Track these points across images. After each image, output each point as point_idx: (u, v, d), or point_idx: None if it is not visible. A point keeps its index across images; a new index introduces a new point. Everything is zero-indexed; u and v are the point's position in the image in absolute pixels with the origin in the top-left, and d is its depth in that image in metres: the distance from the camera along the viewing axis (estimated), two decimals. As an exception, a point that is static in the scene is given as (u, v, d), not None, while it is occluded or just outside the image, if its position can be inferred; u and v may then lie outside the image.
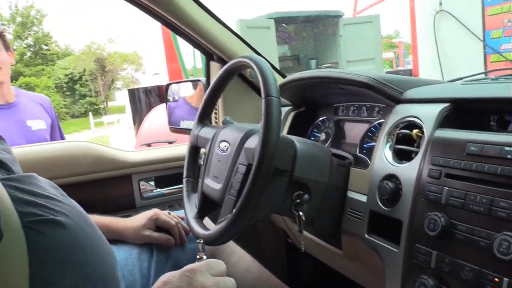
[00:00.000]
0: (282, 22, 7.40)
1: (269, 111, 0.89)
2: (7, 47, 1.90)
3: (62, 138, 2.21)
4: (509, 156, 0.71)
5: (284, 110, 1.46)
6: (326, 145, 1.31)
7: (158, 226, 1.27)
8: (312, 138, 1.40)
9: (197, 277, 0.76)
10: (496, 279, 0.68)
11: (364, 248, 1.00)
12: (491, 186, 0.72)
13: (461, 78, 1.21)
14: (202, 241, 0.97)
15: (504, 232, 0.67)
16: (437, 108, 0.90)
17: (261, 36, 6.29)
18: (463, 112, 0.90)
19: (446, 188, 0.79)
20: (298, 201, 1.00)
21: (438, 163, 0.82)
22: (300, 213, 1.00)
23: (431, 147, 0.85)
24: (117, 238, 1.24)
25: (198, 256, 0.93)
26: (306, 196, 1.01)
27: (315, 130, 1.41)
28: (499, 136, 0.76)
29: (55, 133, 2.11)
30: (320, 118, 1.40)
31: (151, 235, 1.24)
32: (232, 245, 1.37)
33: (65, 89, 30.62)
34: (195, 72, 7.39)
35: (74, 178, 1.48)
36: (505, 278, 0.67)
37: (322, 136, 1.37)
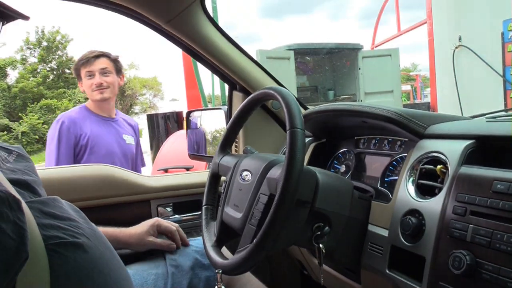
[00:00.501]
0: (302, 53, 7.51)
1: (294, 142, 0.90)
2: (118, 71, 2.33)
3: (142, 160, 2.60)
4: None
5: (305, 141, 1.47)
6: (347, 177, 1.31)
7: (160, 232, 1.34)
8: (332, 170, 1.40)
9: None
10: (524, 321, 0.67)
11: (384, 283, 0.98)
12: (519, 226, 0.71)
13: (484, 114, 1.21)
14: (221, 271, 0.97)
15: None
16: (462, 144, 0.90)
17: (280, 66, 6.38)
18: (487, 149, 0.90)
19: (472, 225, 0.78)
20: (319, 233, 1.00)
21: (463, 200, 0.81)
22: (321, 245, 0.99)
23: (456, 183, 0.85)
24: (123, 247, 1.30)
25: (216, 287, 0.93)
26: (327, 228, 1.00)
27: (336, 162, 1.41)
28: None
29: (138, 152, 2.51)
30: (341, 150, 1.41)
31: (154, 241, 1.31)
32: (247, 275, 1.36)
33: (85, 112, 31.09)
34: (213, 98, 7.49)
35: (95, 202, 1.50)
36: (533, 321, 0.66)
37: (343, 168, 1.37)
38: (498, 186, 0.76)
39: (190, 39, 1.48)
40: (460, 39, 5.33)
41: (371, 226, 1.05)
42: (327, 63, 7.99)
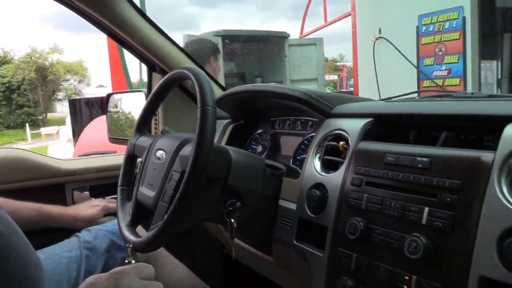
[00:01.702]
0: (229, 39, 7.52)
1: (204, 120, 0.92)
2: None
3: None
4: (420, 166, 0.78)
5: (224, 122, 1.49)
6: (262, 156, 1.36)
7: (108, 215, 1.39)
8: (250, 150, 1.43)
9: (125, 279, 0.77)
10: (406, 277, 0.74)
11: (293, 254, 1.04)
12: (404, 193, 0.79)
13: (393, 97, 1.31)
14: (131, 245, 0.97)
15: (413, 234, 0.73)
16: (362, 122, 0.97)
17: (207, 52, 6.33)
18: (386, 126, 0.98)
19: (366, 195, 0.85)
20: (231, 208, 1.03)
21: (360, 172, 0.88)
22: (232, 220, 1.02)
23: (355, 157, 0.91)
24: (66, 226, 1.35)
25: (126, 261, 0.93)
26: (238, 204, 1.03)
27: (253, 142, 1.45)
28: (413, 147, 0.83)
29: None
30: (258, 131, 1.45)
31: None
32: (166, 255, 1.37)
33: (0, 98, 29.05)
34: (141, 85, 7.29)
35: (6, 186, 1.42)
36: (413, 276, 0.73)
37: (259, 148, 1.41)
38: (389, 158, 0.84)
39: (105, 17, 1.44)
40: (380, 31, 5.60)
41: (282, 201, 1.10)
42: (255, 51, 8.08)
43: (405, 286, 0.75)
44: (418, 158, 0.78)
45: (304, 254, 0.99)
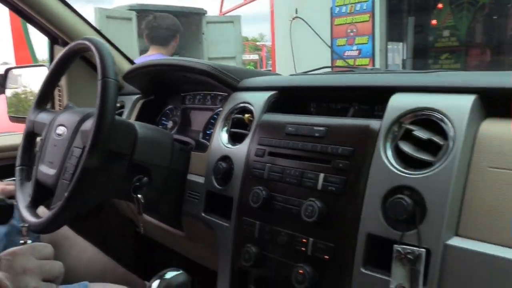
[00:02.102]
0: (145, 14, 7.25)
1: (104, 93, 0.88)
2: None
3: None
4: (317, 134, 0.82)
5: (133, 98, 1.45)
6: (173, 132, 1.34)
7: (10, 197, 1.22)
8: (161, 126, 1.41)
9: (19, 260, 0.73)
10: (304, 240, 0.79)
11: (201, 227, 1.05)
12: (303, 161, 0.83)
13: (302, 72, 1.34)
14: (26, 225, 0.92)
15: (309, 199, 0.78)
16: (266, 95, 0.99)
17: (121, 27, 6.07)
18: (289, 99, 1.01)
19: (268, 164, 0.88)
20: (137, 184, 1.01)
21: (263, 143, 0.91)
22: (139, 195, 1.01)
23: (259, 129, 0.94)
24: None
25: (21, 241, 0.88)
26: (145, 179, 1.02)
27: (164, 118, 1.42)
28: (312, 118, 0.87)
29: None
30: (169, 107, 1.43)
31: None
32: (73, 237, 1.32)
33: None
34: (49, 62, 6.80)
35: None
36: (310, 238, 0.78)
37: (170, 124, 1.39)
38: (289, 129, 0.87)
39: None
40: (296, 11, 5.72)
41: (190, 175, 1.10)
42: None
43: (303, 248, 0.79)
44: (316, 128, 0.82)
45: (212, 226, 1.01)
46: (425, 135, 0.69)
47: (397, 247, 0.67)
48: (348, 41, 5.01)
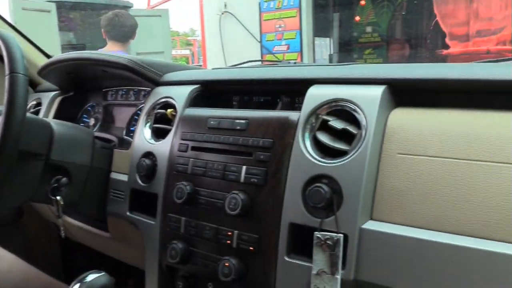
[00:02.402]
0: (66, 7, 6.89)
1: (13, 89, 0.83)
2: None
3: None
4: (238, 127, 0.82)
5: (51, 95, 1.37)
6: (95, 130, 1.29)
7: None
8: (82, 124, 1.35)
9: None
10: (229, 233, 0.79)
11: (128, 227, 1.02)
12: (226, 154, 0.83)
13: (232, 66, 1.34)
14: None
15: (233, 192, 0.78)
16: (188, 89, 0.98)
17: (40, 20, 5.70)
18: (213, 92, 1.00)
19: (192, 159, 0.87)
20: (56, 185, 0.96)
21: (186, 138, 0.90)
22: (58, 197, 0.96)
23: (181, 123, 0.93)
24: None
25: None
26: (64, 179, 0.97)
27: (85, 115, 1.36)
28: (233, 111, 0.88)
29: None
30: (90, 103, 1.37)
31: None
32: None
33: None
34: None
35: None
36: (235, 231, 0.78)
37: (92, 121, 1.33)
38: (212, 122, 0.87)
39: None
40: (225, 5, 5.71)
41: (114, 174, 1.07)
42: (97, 20, 7.54)
43: (228, 241, 0.80)
44: (237, 121, 0.83)
45: (137, 225, 0.98)
46: (340, 125, 0.72)
47: (317, 234, 0.70)
48: (277, 36, 5.09)
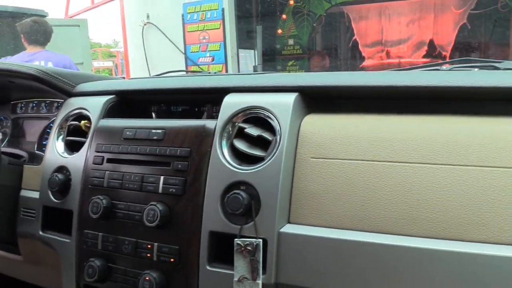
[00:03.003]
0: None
1: None
2: None
3: None
4: (155, 137, 0.81)
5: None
6: (3, 145, 1.20)
7: None
8: (-13, 140, 1.25)
9: None
10: (149, 246, 0.77)
11: (41, 247, 0.96)
12: (143, 165, 0.81)
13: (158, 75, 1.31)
14: None
15: (151, 203, 0.76)
16: (104, 99, 0.95)
17: None
18: (130, 103, 0.98)
19: (108, 172, 0.84)
20: None
21: (101, 150, 0.87)
22: None
23: (96, 135, 0.89)
24: None
25: None
26: None
27: (-9, 130, 1.27)
28: (149, 121, 0.86)
29: None
30: (-4, 117, 1.27)
31: None
32: None
33: None
34: None
35: None
36: (155, 243, 0.77)
37: (-1, 136, 1.24)
38: (127, 133, 0.84)
39: None
40: (148, 16, 5.61)
41: (24, 191, 1.00)
42: (8, 28, 7.05)
43: (148, 255, 0.78)
44: (153, 131, 0.81)
45: (52, 244, 0.93)
46: (255, 132, 0.73)
47: (237, 240, 0.70)
48: (201, 48, 5.10)
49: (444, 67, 1.00)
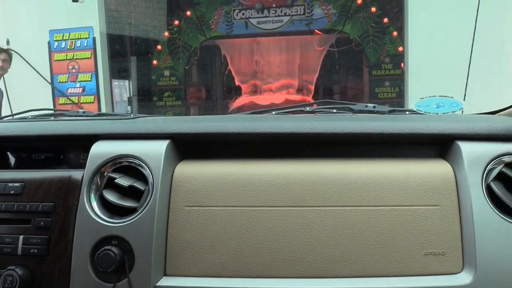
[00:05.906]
0: None
1: None
2: None
3: None
4: (12, 192, 0.73)
5: None
6: None
7: None
8: None
9: None
10: (10, 318, 0.68)
11: None
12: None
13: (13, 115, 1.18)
14: None
15: (8, 268, 0.68)
16: None
17: None
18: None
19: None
20: None
21: None
22: None
23: None
24: None
25: None
26: None
27: None
28: (6, 173, 0.77)
29: None
30: None
31: None
32: None
33: None
34: None
35: None
36: (14, 314, 0.68)
37: None
38: (-22, 188, 0.74)
39: None
40: (8, 42, 5.13)
41: None
42: None
43: (4, 327, 0.68)
44: (10, 184, 0.73)
45: None
46: (126, 182, 0.70)
47: (108, 299, 0.66)
48: (70, 78, 4.80)
49: (308, 108, 1.08)
